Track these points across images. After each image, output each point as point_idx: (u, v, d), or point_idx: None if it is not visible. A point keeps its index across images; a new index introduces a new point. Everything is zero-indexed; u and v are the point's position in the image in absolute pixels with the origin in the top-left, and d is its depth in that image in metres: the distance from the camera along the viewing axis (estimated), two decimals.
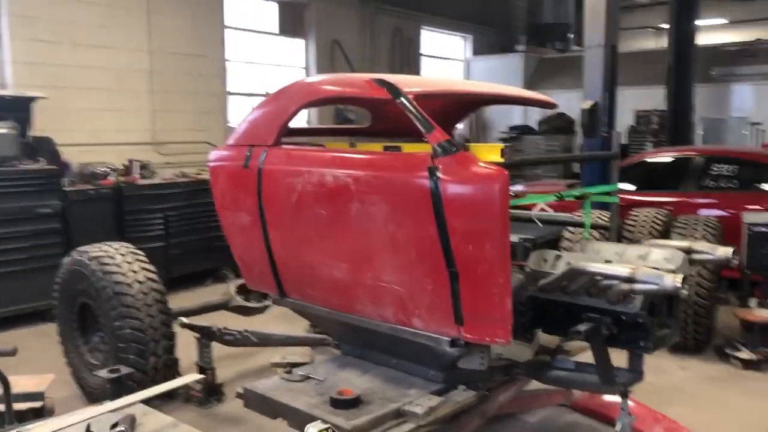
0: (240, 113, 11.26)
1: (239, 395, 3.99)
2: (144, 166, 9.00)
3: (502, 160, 3.29)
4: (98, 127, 9.08)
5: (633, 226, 6.67)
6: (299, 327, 5.71)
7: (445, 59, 16.08)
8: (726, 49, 13.42)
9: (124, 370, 2.70)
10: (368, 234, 3.51)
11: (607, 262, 3.50)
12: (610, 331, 3.43)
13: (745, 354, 5.94)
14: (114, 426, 2.31)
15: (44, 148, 7.63)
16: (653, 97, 12.19)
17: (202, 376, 3.73)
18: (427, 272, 3.33)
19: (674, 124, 11.81)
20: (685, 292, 3.05)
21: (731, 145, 11.77)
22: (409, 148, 3.86)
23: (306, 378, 3.97)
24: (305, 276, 4.00)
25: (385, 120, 5.04)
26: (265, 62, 11.65)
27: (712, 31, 17.02)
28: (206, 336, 5.19)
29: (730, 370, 5.87)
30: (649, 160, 9.49)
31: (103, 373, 2.69)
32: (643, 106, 12.83)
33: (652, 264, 3.55)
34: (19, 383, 2.75)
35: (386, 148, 3.83)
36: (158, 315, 4.76)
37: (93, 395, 5.03)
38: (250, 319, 6.06)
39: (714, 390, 5.49)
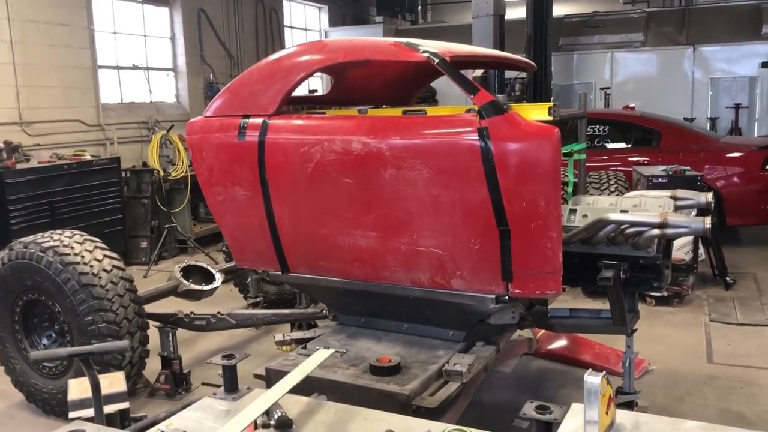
0: (113, 89, 10.38)
1: (258, 376, 3.81)
2: (14, 149, 8.03)
3: (549, 117, 3.41)
4: None
5: None
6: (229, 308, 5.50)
7: (305, 30, 15.87)
8: (569, 21, 14.60)
9: (239, 355, 2.49)
10: (406, 200, 3.48)
11: (623, 211, 3.78)
12: (626, 276, 3.73)
13: (656, 292, 6.65)
14: (266, 413, 2.16)
15: None
16: None
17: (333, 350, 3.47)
18: (475, 232, 3.39)
19: (535, 91, 12.64)
20: (710, 233, 3.40)
21: (599, 109, 12.86)
22: (433, 111, 3.85)
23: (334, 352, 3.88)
24: (320, 248, 3.87)
25: (346, 88, 4.94)
26: (130, 32, 10.77)
27: (557, 4, 18.35)
28: (172, 324, 4.85)
29: (646, 308, 6.55)
30: None
31: (217, 359, 2.46)
32: (507, 74, 13.60)
33: (649, 210, 3.90)
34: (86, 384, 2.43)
35: (405, 113, 3.79)
36: (130, 305, 4.37)
37: (46, 401, 4.54)
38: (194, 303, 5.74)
39: (643, 325, 6.01)
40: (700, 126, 11.74)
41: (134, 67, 10.87)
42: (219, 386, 3.85)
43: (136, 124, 10.42)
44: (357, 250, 3.73)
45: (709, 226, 3.34)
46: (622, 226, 3.56)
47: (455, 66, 3.58)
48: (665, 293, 6.62)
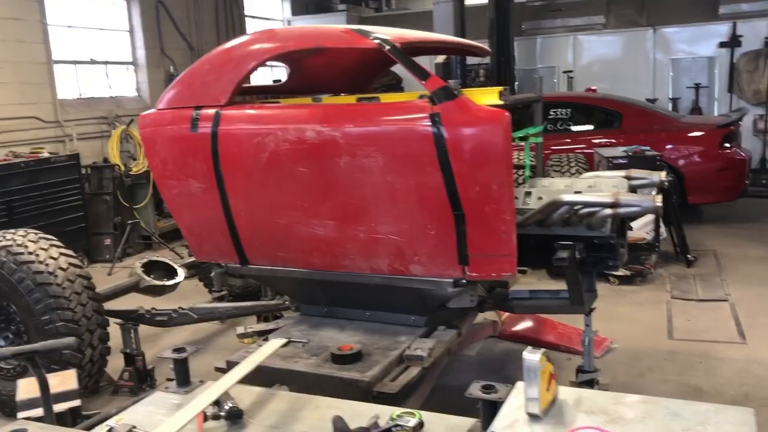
0: (71, 84, 10.18)
1: (219, 369, 3.79)
2: None
3: (500, 102, 3.42)
4: None
5: None
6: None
7: (268, 20, 15.70)
8: (531, 5, 14.64)
9: (189, 348, 2.48)
10: (361, 188, 3.48)
11: (577, 192, 3.81)
12: (581, 256, 3.77)
13: (619, 271, 6.75)
14: (217, 404, 2.15)
15: None
16: None
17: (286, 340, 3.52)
18: (431, 218, 3.40)
19: (499, 76, 12.69)
20: (661, 211, 3.45)
21: (563, 92, 12.96)
22: (386, 98, 3.84)
23: (288, 342, 3.88)
24: (277, 239, 3.86)
25: (303, 77, 4.91)
26: (87, 26, 10.56)
27: None
28: (134, 320, 4.80)
29: (609, 287, 6.65)
30: None
31: (168, 353, 2.44)
32: (470, 60, 13.61)
33: (602, 191, 3.94)
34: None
35: (360, 100, 3.78)
36: (89, 303, 4.31)
37: (5, 403, 4.46)
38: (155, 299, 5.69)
39: (606, 305, 6.18)
40: (662, 106, 11.89)
41: (92, 62, 10.67)
42: None
43: (95, 119, 10.22)
44: (315, 239, 3.72)
45: (659, 204, 3.39)
46: (576, 207, 3.60)
47: (408, 52, 3.58)
48: (628, 272, 6.73)
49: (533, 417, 1.73)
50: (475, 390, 1.95)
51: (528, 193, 3.94)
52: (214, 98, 3.82)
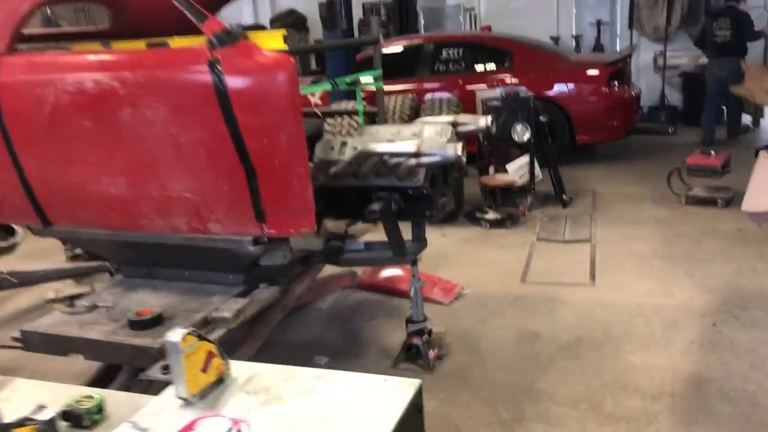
0: None
1: (15, 339, 3.57)
2: None
3: (285, 47, 3.19)
4: None
5: (386, 112, 7.01)
6: (55, 262, 5.19)
7: None
8: None
9: None
10: (147, 142, 3.23)
11: (390, 141, 3.65)
12: (399, 206, 3.65)
13: (491, 215, 6.73)
14: None
15: None
16: None
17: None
18: (221, 174, 3.20)
19: (400, 15, 12.39)
20: (464, 159, 3.33)
21: (454, 31, 12.71)
22: (178, 42, 3.56)
23: (93, 308, 3.67)
24: (74, 198, 3.59)
25: (129, 19, 4.55)
26: None
27: None
28: None
29: (481, 230, 6.62)
30: (384, 51, 9.90)
31: None
32: None
33: (427, 139, 3.79)
34: None
35: (150, 46, 3.49)
36: None
37: None
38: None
39: (472, 249, 6.19)
40: (557, 45, 11.82)
41: None
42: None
43: None
44: (109, 198, 3.47)
45: (458, 152, 3.26)
46: (384, 157, 3.45)
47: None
48: (499, 216, 6.71)
49: (185, 401, 1.58)
50: (153, 372, 1.80)
51: (344, 144, 3.76)
52: None
